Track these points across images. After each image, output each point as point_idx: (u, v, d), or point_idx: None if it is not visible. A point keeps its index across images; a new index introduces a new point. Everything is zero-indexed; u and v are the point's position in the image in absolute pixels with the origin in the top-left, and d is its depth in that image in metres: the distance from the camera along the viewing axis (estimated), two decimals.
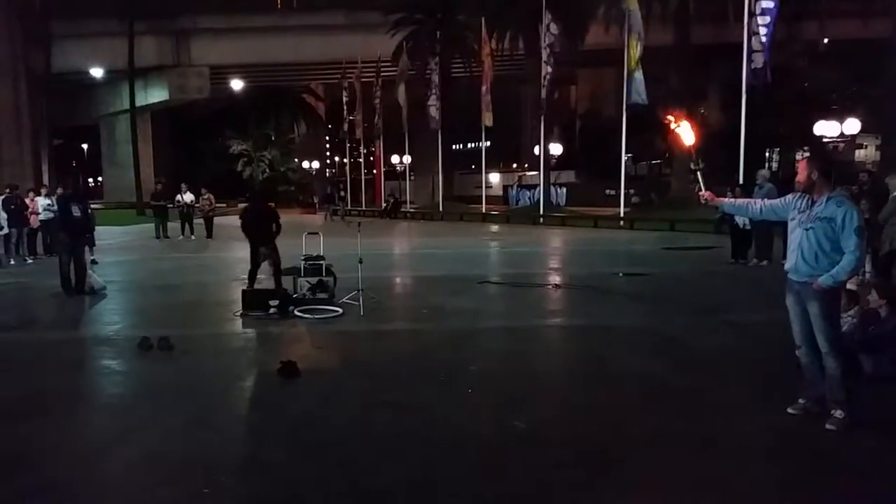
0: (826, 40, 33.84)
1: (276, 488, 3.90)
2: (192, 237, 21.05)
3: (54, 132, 43.35)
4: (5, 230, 14.80)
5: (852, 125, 27.91)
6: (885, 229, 8.90)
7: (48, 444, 4.56)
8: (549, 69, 26.44)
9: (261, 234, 9.30)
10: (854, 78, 33.90)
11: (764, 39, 17.73)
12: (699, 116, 28.61)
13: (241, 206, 12.05)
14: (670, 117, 5.62)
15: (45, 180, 33.91)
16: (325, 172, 72.05)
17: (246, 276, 9.43)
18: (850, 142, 33.88)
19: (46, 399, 5.52)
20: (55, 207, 12.92)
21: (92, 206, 12.64)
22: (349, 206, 36.34)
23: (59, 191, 14.08)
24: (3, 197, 14.76)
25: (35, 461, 4.26)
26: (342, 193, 34.88)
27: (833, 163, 5.09)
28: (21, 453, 4.40)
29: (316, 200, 44.53)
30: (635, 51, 22.01)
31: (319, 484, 3.95)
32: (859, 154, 39.18)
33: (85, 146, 64.23)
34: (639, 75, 21.93)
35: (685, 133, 5.40)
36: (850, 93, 34.15)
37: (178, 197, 21.82)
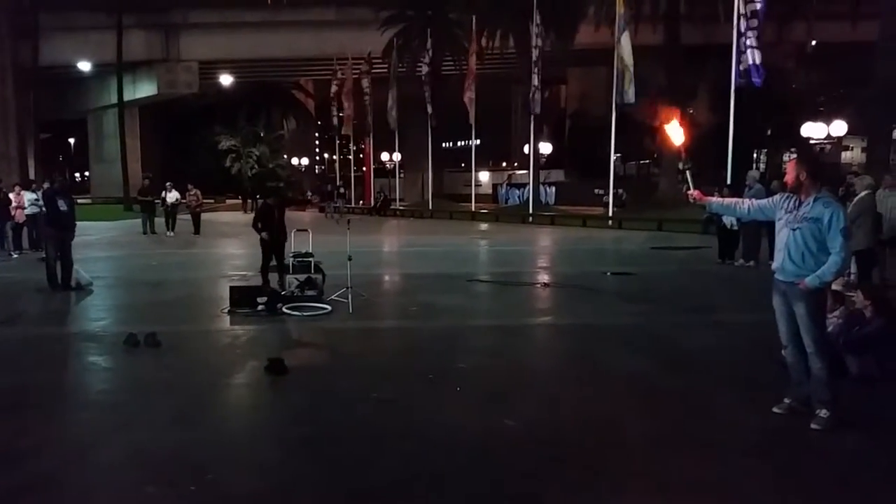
0: (813, 43, 34.07)
1: (263, 485, 3.89)
2: (170, 234, 20.92)
3: (41, 126, 42.92)
4: None
5: (839, 127, 28.19)
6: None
7: (34, 441, 4.52)
8: (539, 68, 26.48)
9: (280, 230, 9.67)
10: (841, 80, 34.18)
11: (751, 41, 17.82)
12: (688, 116, 28.73)
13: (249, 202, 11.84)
14: (660, 116, 5.64)
15: (32, 175, 33.58)
16: (315, 169, 71.89)
17: (236, 273, 9.41)
18: (837, 144, 34.22)
19: (32, 395, 5.48)
20: (41, 202, 12.80)
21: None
22: (347, 203, 34.86)
23: (46, 185, 13.97)
24: None
25: (20, 457, 4.23)
26: (342, 190, 33.87)
27: (821, 164, 5.14)
28: (6, 450, 4.37)
29: (310, 196, 44.22)
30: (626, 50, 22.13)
31: (307, 481, 3.94)
32: (845, 156, 39.55)
33: (72, 140, 63.72)
34: (628, 74, 22.04)
35: (674, 133, 5.43)
36: (836, 95, 34.44)
37: (163, 193, 21.67)
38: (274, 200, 10.15)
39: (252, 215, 10.31)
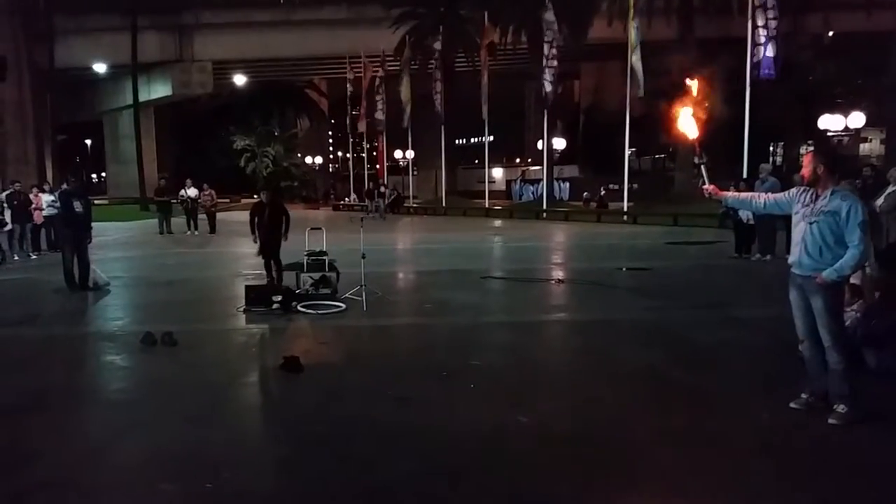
0: (830, 33, 33.68)
1: (279, 483, 3.91)
2: (196, 232, 21.10)
3: (58, 128, 43.31)
4: (9, 226, 14.88)
5: (857, 119, 27.84)
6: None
7: (52, 439, 4.57)
8: (552, 63, 26.34)
9: (274, 230, 9.62)
10: (858, 71, 33.74)
11: (770, 33, 17.66)
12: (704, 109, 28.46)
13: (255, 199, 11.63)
14: (675, 110, 5.54)
15: (49, 177, 33.87)
16: (329, 167, 72.10)
17: (251, 271, 9.45)
18: (855, 135, 33.79)
19: (50, 394, 5.54)
20: (58, 203, 12.94)
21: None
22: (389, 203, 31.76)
23: (63, 186, 14.12)
24: (6, 193, 14.84)
25: (39, 456, 4.28)
26: (383, 189, 30.97)
27: (837, 156, 5.07)
28: (25, 448, 4.42)
29: (331, 194, 44.20)
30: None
31: (323, 478, 3.95)
32: (864, 148, 39.04)
33: (88, 142, 64.30)
34: (638, 66, 21.95)
35: (689, 127, 5.38)
36: (854, 86, 34.01)
37: (182, 191, 21.88)
38: (266, 196, 9.99)
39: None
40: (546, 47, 26.32)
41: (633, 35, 22.10)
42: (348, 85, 40.05)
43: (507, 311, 8.99)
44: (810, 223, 4.54)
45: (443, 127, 32.88)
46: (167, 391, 5.62)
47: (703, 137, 5.51)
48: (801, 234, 4.61)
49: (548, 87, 26.77)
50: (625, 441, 4.43)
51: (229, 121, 47.72)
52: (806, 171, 4.60)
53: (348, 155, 49.56)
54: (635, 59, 22.04)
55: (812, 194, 4.61)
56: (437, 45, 32.53)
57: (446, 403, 5.16)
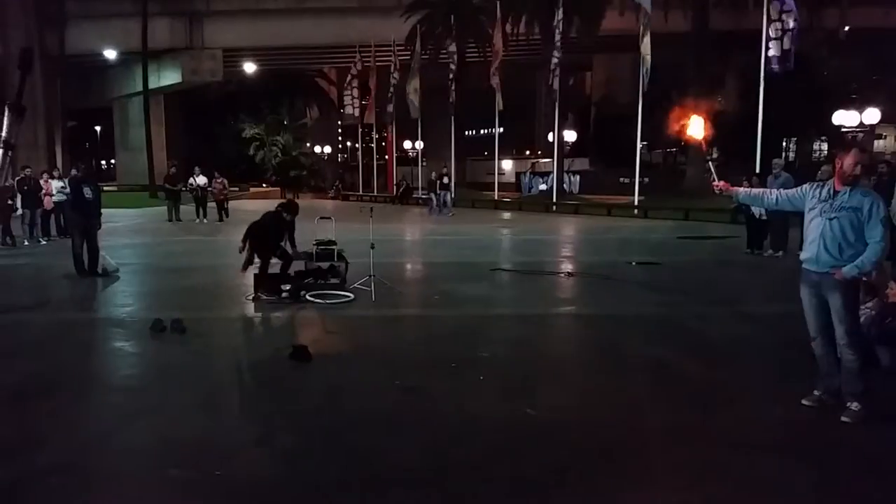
0: (847, 29, 33.33)
1: (287, 471, 3.90)
2: (205, 220, 21.14)
3: (68, 114, 43.42)
4: (19, 211, 14.94)
5: (872, 115, 27.57)
6: None
7: (60, 425, 4.57)
8: (562, 54, 26.15)
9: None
10: (874, 67, 33.42)
11: (791, 25, 17.47)
12: (716, 104, 28.25)
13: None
14: (683, 115, 5.45)
15: (59, 163, 34.00)
16: (338, 157, 72.08)
17: (257, 260, 9.34)
18: (870, 132, 33.50)
19: (59, 380, 5.55)
20: (68, 190, 12.97)
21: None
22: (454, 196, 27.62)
23: (73, 172, 14.16)
24: (17, 178, 14.90)
25: (47, 441, 4.28)
26: (446, 180, 26.66)
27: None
28: (33, 433, 4.42)
29: (337, 185, 44.16)
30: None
31: (330, 467, 3.94)
32: (878, 144, 38.73)
33: (98, 128, 64.43)
34: (648, 59, 21.77)
35: (695, 127, 5.30)
36: (869, 82, 33.68)
37: (192, 180, 21.91)
38: (290, 217, 8.99)
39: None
40: (558, 39, 26.17)
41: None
42: (354, 74, 39.74)
43: (516, 303, 8.95)
44: (829, 219, 4.47)
45: (453, 118, 32.72)
46: (176, 378, 5.62)
47: (713, 133, 5.44)
48: (818, 231, 4.54)
49: (558, 80, 26.61)
50: (633, 435, 4.40)
51: (239, 109, 47.76)
52: (851, 170, 4.43)
53: (357, 145, 49.37)
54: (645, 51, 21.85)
55: (829, 190, 4.53)
56: (449, 36, 32.35)
57: (454, 395, 5.13)
